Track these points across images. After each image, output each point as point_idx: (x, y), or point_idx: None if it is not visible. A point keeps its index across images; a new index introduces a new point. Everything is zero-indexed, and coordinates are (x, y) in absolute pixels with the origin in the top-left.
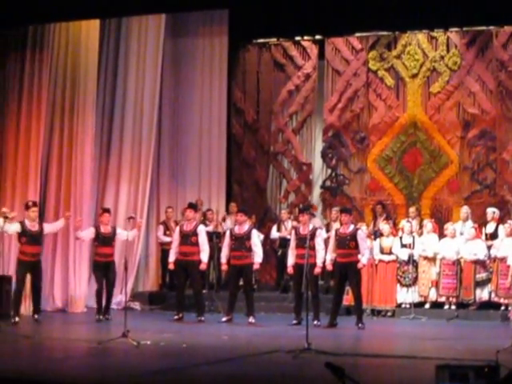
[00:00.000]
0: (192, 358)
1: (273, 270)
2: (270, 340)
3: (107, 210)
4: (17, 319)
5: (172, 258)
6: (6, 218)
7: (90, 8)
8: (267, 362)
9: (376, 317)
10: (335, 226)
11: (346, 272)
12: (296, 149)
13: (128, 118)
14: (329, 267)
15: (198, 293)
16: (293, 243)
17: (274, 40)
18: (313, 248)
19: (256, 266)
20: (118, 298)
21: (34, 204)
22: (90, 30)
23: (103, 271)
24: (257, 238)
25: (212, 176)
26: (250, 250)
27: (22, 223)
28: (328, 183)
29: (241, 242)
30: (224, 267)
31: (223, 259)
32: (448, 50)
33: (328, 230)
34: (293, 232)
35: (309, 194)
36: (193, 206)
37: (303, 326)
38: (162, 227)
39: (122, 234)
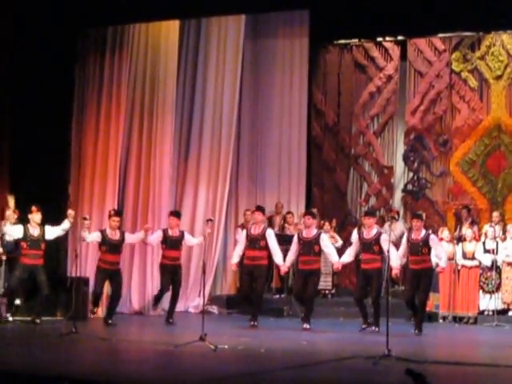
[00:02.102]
0: (270, 362)
1: (352, 274)
2: (349, 346)
3: (175, 214)
4: (95, 311)
5: (236, 259)
6: (84, 219)
7: (169, 8)
8: (346, 368)
9: (458, 324)
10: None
11: (419, 278)
12: (377, 151)
13: (207, 121)
14: (396, 272)
15: (258, 298)
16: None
17: (355, 41)
18: (377, 252)
19: (337, 266)
20: (196, 302)
21: (116, 213)
22: (169, 30)
23: (170, 275)
24: (327, 240)
25: (292, 179)
26: (318, 254)
27: (103, 232)
28: (410, 187)
29: (309, 247)
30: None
31: (288, 263)
32: None
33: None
34: (356, 237)
35: (390, 198)
36: (261, 209)
37: (382, 333)
38: (240, 230)
39: (189, 240)
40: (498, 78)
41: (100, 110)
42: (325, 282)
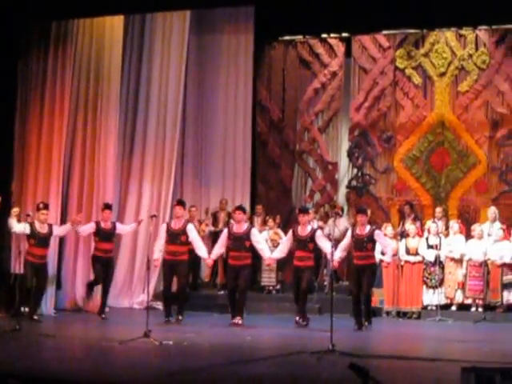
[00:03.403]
0: (215, 358)
1: None
2: (293, 341)
3: (107, 206)
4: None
5: (157, 255)
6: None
7: (114, 4)
8: (291, 364)
9: (402, 319)
10: None
11: (363, 274)
12: (322, 148)
13: (151, 117)
14: (335, 264)
15: (182, 292)
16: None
17: (300, 37)
18: (310, 250)
19: (269, 262)
20: (140, 298)
21: (45, 206)
22: (114, 26)
23: (103, 267)
24: (258, 236)
25: (236, 175)
26: (249, 250)
27: (32, 224)
28: (354, 183)
29: (240, 242)
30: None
31: (213, 256)
32: (477, 49)
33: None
34: (290, 234)
35: (334, 194)
36: (182, 203)
37: (327, 328)
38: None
39: (122, 229)
40: (442, 75)
41: (44, 105)
42: (269, 278)
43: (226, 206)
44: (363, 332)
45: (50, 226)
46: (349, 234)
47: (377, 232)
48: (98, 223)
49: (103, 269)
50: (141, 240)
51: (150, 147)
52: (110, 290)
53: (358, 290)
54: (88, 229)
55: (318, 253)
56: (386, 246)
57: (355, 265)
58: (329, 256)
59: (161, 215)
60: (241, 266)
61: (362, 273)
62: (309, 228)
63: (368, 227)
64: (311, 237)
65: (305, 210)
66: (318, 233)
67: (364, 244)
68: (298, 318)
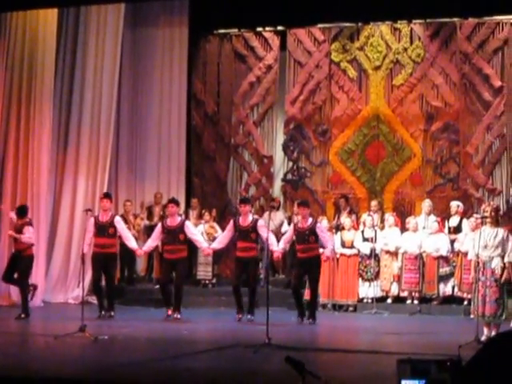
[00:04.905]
0: (150, 352)
1: (233, 263)
2: (229, 335)
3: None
4: None
5: (86, 249)
6: None
7: None
8: (227, 357)
9: (337, 312)
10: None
11: (306, 267)
12: (257, 141)
13: (86, 110)
14: (278, 255)
15: (111, 286)
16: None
17: (235, 31)
18: (254, 241)
19: (208, 251)
20: (76, 293)
21: None
22: (47, 19)
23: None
24: (192, 228)
25: (171, 168)
26: (183, 242)
27: None
28: (289, 176)
29: (174, 235)
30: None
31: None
32: (411, 42)
33: (290, 224)
34: (231, 225)
35: (270, 187)
36: (108, 196)
37: (263, 321)
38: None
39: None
40: (377, 68)
41: None
42: (205, 272)
43: (160, 200)
44: (300, 325)
45: None
46: (291, 227)
47: (318, 225)
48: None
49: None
50: (76, 234)
51: (85, 141)
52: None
53: (298, 282)
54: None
55: None
56: (327, 239)
57: (299, 258)
58: (271, 247)
59: (96, 209)
60: (176, 260)
61: (305, 266)
62: (250, 218)
63: (310, 220)
64: (253, 227)
65: (246, 200)
66: (260, 222)
67: (306, 237)
68: (249, 316)
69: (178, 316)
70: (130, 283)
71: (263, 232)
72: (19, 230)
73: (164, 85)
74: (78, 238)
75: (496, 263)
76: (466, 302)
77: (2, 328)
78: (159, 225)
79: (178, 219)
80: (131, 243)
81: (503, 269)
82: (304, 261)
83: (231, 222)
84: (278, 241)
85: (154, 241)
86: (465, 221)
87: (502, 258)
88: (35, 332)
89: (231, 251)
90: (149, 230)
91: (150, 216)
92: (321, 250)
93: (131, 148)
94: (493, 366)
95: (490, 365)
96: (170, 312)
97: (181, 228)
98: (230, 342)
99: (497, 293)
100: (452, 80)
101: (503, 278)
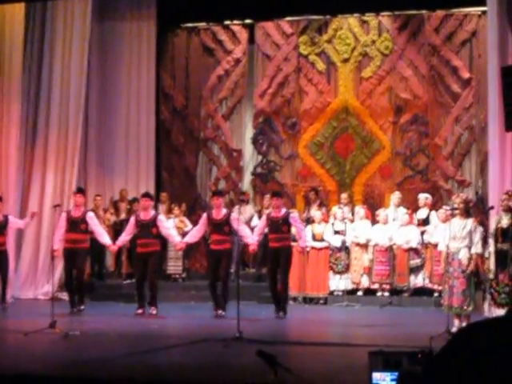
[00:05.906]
0: (121, 347)
1: (203, 257)
2: (200, 329)
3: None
4: None
5: (57, 245)
6: None
7: None
8: (198, 351)
9: (308, 304)
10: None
11: (279, 256)
12: (226, 135)
13: (54, 105)
14: (252, 247)
15: (80, 281)
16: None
17: (203, 24)
18: (228, 233)
19: (181, 246)
20: (45, 289)
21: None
22: (14, 13)
23: None
24: (166, 222)
25: (140, 163)
26: (156, 236)
27: None
28: (259, 170)
29: (147, 229)
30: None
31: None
32: (380, 35)
33: (260, 217)
34: (204, 218)
35: (239, 181)
36: (81, 191)
37: (233, 316)
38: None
39: (15, 223)
40: (345, 61)
41: None
42: (175, 267)
43: (126, 196)
44: (272, 319)
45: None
46: (263, 218)
47: (292, 215)
48: None
49: None
50: (44, 230)
51: (53, 136)
52: (7, 281)
53: (273, 274)
54: None
55: None
56: (301, 228)
57: (271, 247)
58: (246, 240)
59: (65, 204)
60: (149, 253)
61: (277, 256)
62: (223, 211)
63: (283, 210)
64: (226, 220)
65: (219, 193)
66: (233, 215)
67: (279, 226)
68: (220, 312)
69: (154, 312)
70: (100, 278)
71: (237, 225)
72: None
73: (132, 79)
74: (46, 233)
75: (463, 254)
76: (436, 294)
77: None
78: (132, 219)
79: (152, 213)
80: (104, 239)
81: (470, 260)
82: (276, 250)
83: (204, 215)
84: None
85: (127, 235)
86: (433, 213)
87: (470, 249)
88: (5, 328)
89: (201, 245)
90: (115, 226)
91: (116, 212)
92: (293, 244)
93: (100, 143)
94: (462, 357)
95: (459, 355)
96: (141, 311)
97: (154, 222)
98: (201, 336)
99: (464, 284)
100: (420, 72)
101: (469, 269)
